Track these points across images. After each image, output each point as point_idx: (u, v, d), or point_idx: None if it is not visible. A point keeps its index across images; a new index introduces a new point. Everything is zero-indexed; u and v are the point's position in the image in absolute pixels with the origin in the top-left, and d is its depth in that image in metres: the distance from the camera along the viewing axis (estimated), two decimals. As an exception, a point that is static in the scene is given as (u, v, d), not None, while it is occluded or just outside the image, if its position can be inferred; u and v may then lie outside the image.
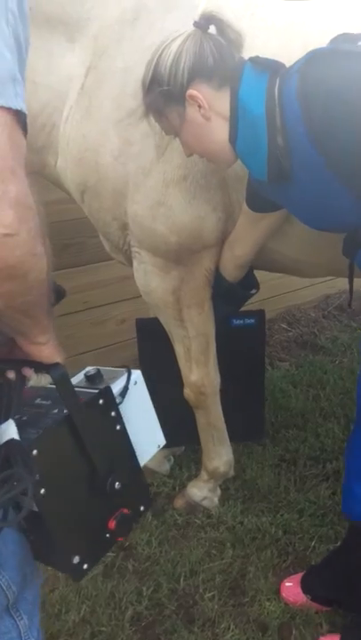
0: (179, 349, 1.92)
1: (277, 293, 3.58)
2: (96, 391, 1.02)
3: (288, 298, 3.67)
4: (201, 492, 2.15)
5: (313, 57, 1.10)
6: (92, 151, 1.60)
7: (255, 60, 1.22)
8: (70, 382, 0.97)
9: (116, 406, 1.04)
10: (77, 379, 1.12)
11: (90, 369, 1.13)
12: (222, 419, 2.07)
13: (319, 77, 1.07)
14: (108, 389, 1.03)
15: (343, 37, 1.17)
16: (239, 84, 1.21)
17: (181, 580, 1.85)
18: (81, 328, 2.89)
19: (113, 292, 2.88)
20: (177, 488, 2.27)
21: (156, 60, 1.26)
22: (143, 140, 1.54)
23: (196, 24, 1.24)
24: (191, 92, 1.24)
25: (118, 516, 1.03)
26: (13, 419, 0.92)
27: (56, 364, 0.95)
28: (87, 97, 1.61)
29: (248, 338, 2.05)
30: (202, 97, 1.24)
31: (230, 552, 1.94)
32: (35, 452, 0.90)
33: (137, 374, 1.12)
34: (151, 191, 1.58)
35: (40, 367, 0.95)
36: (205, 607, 1.76)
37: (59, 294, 1.10)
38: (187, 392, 1.98)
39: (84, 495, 0.99)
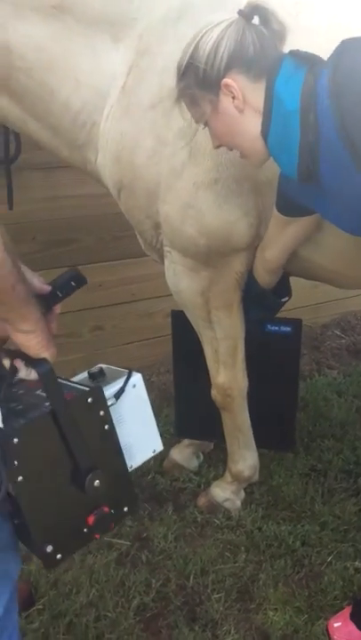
0: (207, 350, 1.93)
1: (333, 298, 3.49)
2: (86, 389, 1.04)
3: (344, 304, 3.57)
4: (224, 493, 2.15)
5: (344, 48, 1.05)
6: (129, 150, 1.63)
7: (295, 54, 1.17)
8: (55, 379, 0.99)
9: (105, 406, 1.05)
10: (82, 375, 1.16)
11: (95, 368, 1.16)
12: (249, 423, 2.06)
13: (351, 68, 1.02)
14: (99, 388, 1.05)
15: None
16: (276, 77, 1.17)
17: (191, 577, 1.87)
18: (127, 319, 2.95)
19: (161, 286, 2.90)
20: (202, 486, 2.28)
21: (195, 43, 1.22)
22: (176, 142, 1.55)
23: (240, 12, 1.20)
24: (227, 80, 1.20)
25: (98, 513, 1.04)
26: None
27: (42, 360, 0.98)
28: (127, 96, 1.63)
29: (283, 345, 2.02)
30: (237, 87, 1.20)
31: (244, 556, 1.94)
32: (15, 440, 0.94)
33: (137, 377, 1.14)
34: (182, 193, 1.59)
35: (28, 360, 0.99)
36: (210, 607, 1.77)
37: (79, 280, 1.15)
38: (214, 393, 1.99)
39: (63, 488, 1.02)
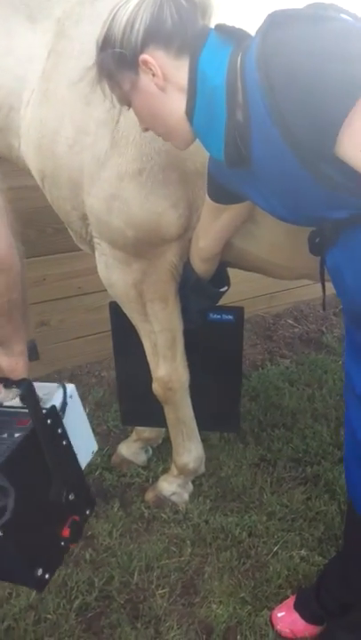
0: (146, 344, 1.88)
1: (286, 287, 3.48)
2: (43, 411, 1.07)
3: (297, 293, 3.57)
4: (170, 486, 2.12)
5: (273, 21, 0.97)
6: (49, 138, 1.57)
7: (221, 28, 1.09)
8: (37, 398, 1.04)
9: (61, 423, 1.11)
10: (11, 398, 1.15)
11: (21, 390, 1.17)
12: (192, 415, 2.03)
13: (279, 39, 0.94)
14: (54, 409, 1.09)
15: (318, 5, 1.06)
16: (200, 52, 1.08)
17: (136, 574, 1.83)
18: (74, 314, 2.89)
19: (107, 280, 2.85)
20: (150, 480, 2.24)
21: (111, 18, 1.13)
22: (98, 130, 1.49)
23: None
24: (144, 57, 1.11)
25: (71, 524, 1.10)
26: None
27: (24, 381, 1.03)
28: (46, 81, 1.57)
29: (225, 334, 1.99)
30: (156, 64, 1.11)
31: (190, 550, 1.91)
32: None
33: (71, 388, 1.19)
34: (106, 184, 1.53)
35: (8, 383, 1.03)
36: (154, 604, 1.74)
37: (32, 352, 1.18)
38: (155, 387, 1.95)
39: (41, 508, 1.05)
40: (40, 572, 1.03)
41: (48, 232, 2.74)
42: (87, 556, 1.90)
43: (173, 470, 2.13)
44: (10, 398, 1.06)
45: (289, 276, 1.75)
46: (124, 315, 1.90)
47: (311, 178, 0.98)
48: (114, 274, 1.75)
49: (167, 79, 1.13)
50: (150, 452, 2.38)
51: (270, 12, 0.98)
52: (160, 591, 1.78)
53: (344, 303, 1.27)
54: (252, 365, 3.15)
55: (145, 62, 1.12)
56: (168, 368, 1.90)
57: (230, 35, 1.08)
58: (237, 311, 1.94)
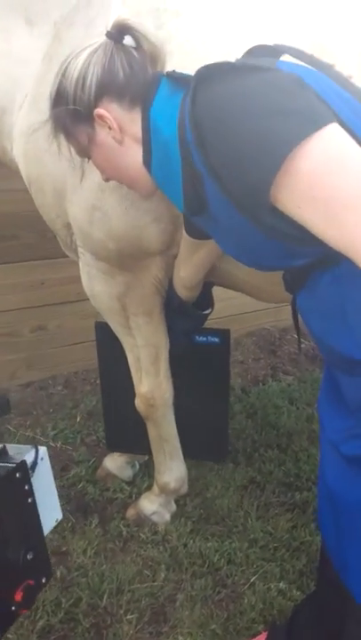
0: (130, 358, 1.82)
1: (292, 301, 3.38)
2: (12, 465, 1.07)
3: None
4: (152, 505, 2.05)
5: (199, 79, 0.93)
6: (34, 144, 1.52)
7: (171, 75, 1.06)
8: None
9: (29, 480, 1.09)
10: None
11: None
12: (175, 433, 1.96)
13: (206, 101, 0.90)
14: (24, 463, 1.09)
15: (260, 50, 1.02)
16: (151, 103, 1.06)
17: (105, 596, 1.77)
18: (72, 319, 2.85)
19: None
20: (134, 496, 2.18)
21: (61, 73, 1.11)
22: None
23: (108, 34, 1.08)
24: (99, 111, 1.08)
25: (25, 588, 1.04)
26: None
27: None
28: (38, 85, 1.53)
29: (212, 356, 1.92)
30: (111, 117, 1.08)
31: (163, 575, 1.84)
32: None
33: (43, 450, 1.18)
34: (87, 194, 1.48)
35: None
36: (120, 630, 1.67)
37: (2, 408, 1.23)
38: (137, 402, 1.88)
39: None
40: None
41: (48, 236, 2.68)
42: (58, 574, 1.84)
43: (155, 489, 2.06)
44: None
45: (270, 299, 1.68)
46: (111, 336, 1.84)
47: (260, 231, 0.93)
48: (97, 285, 1.70)
49: (124, 131, 1.10)
50: (137, 466, 2.32)
51: (198, 68, 0.94)
52: (128, 616, 1.71)
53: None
54: (254, 380, 3.06)
55: (100, 116, 1.09)
56: (151, 384, 1.83)
57: (180, 82, 1.04)
58: (223, 333, 1.87)
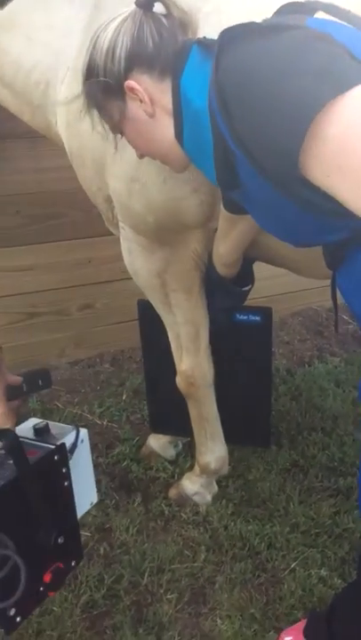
0: (170, 335, 1.81)
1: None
2: (52, 446, 1.07)
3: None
4: (193, 486, 2.05)
5: (222, 42, 0.88)
6: (74, 116, 1.50)
7: (201, 42, 1.00)
8: (22, 448, 0.99)
9: (67, 463, 1.09)
10: (25, 428, 1.17)
11: (38, 422, 1.18)
12: (216, 413, 1.94)
13: (230, 65, 0.85)
14: (63, 446, 1.08)
15: (290, 7, 0.94)
16: (182, 72, 1.00)
17: (146, 575, 1.79)
18: (118, 297, 2.85)
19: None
20: (176, 476, 2.19)
21: (92, 46, 1.07)
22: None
23: (137, 2, 1.04)
24: (129, 83, 1.04)
25: (54, 570, 1.05)
26: None
27: (7, 430, 1.00)
28: (79, 57, 1.50)
29: (253, 335, 1.87)
30: (142, 89, 1.04)
31: (204, 556, 1.84)
32: None
33: (84, 432, 1.18)
34: (126, 165, 1.45)
35: None
36: (160, 609, 1.69)
37: (46, 382, 1.22)
38: (178, 380, 1.87)
39: (26, 547, 1.00)
40: (13, 611, 0.98)
41: (94, 213, 2.69)
42: (101, 551, 1.88)
43: (196, 469, 2.06)
44: None
45: (311, 274, 1.61)
46: (153, 315, 1.83)
47: (293, 203, 0.87)
48: (137, 261, 1.68)
49: (155, 103, 1.06)
50: (180, 446, 2.32)
51: (222, 31, 0.89)
52: (168, 596, 1.73)
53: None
54: (299, 362, 3.01)
55: (130, 89, 1.05)
56: (191, 362, 1.82)
57: (211, 47, 0.96)
58: (265, 311, 1.82)
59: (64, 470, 1.09)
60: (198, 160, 1.09)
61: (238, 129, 0.86)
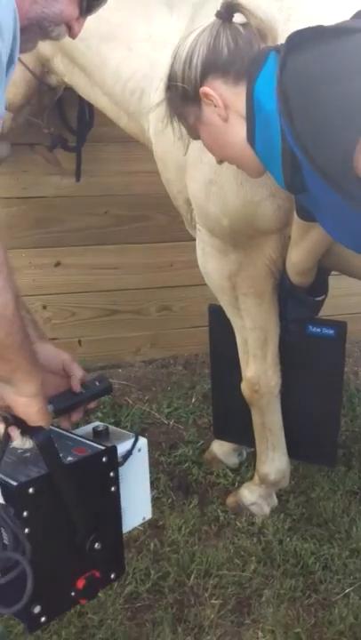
0: (238, 340, 1.81)
1: None
2: (102, 447, 1.03)
3: None
4: (252, 495, 2.01)
5: (289, 46, 0.91)
6: (161, 121, 1.55)
7: (278, 49, 1.02)
8: (54, 448, 0.95)
9: (116, 467, 1.04)
10: (86, 429, 1.14)
11: (99, 424, 1.15)
12: (280, 424, 1.90)
13: (294, 69, 0.88)
14: (114, 449, 1.04)
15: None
16: (257, 77, 1.03)
17: (192, 576, 1.77)
18: (195, 302, 2.87)
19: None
20: (236, 484, 2.15)
21: (174, 54, 1.15)
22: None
23: (218, 14, 1.10)
24: (204, 89, 1.10)
25: (89, 577, 1.00)
26: None
27: (40, 428, 0.94)
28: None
29: (325, 349, 1.81)
30: (216, 95, 1.09)
31: (253, 567, 1.79)
32: (30, 490, 0.92)
33: (143, 442, 1.12)
34: (205, 168, 1.49)
35: (25, 429, 0.95)
36: (202, 612, 1.66)
37: (107, 391, 1.16)
38: (243, 386, 1.86)
39: (61, 547, 0.98)
40: (38, 609, 0.94)
41: (179, 219, 2.74)
42: (151, 546, 1.88)
43: (256, 479, 2.02)
44: (26, 446, 0.98)
45: None
46: (224, 321, 1.83)
47: (354, 208, 0.86)
48: (210, 262, 1.70)
49: (228, 108, 1.11)
50: (244, 455, 2.28)
51: (290, 34, 0.92)
52: (212, 601, 1.70)
53: None
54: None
55: (205, 95, 1.11)
56: (257, 369, 1.79)
57: None
58: (340, 326, 1.75)
59: (112, 474, 1.04)
60: (269, 163, 1.11)
61: (299, 130, 0.88)
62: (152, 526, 1.97)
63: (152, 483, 2.11)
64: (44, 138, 2.34)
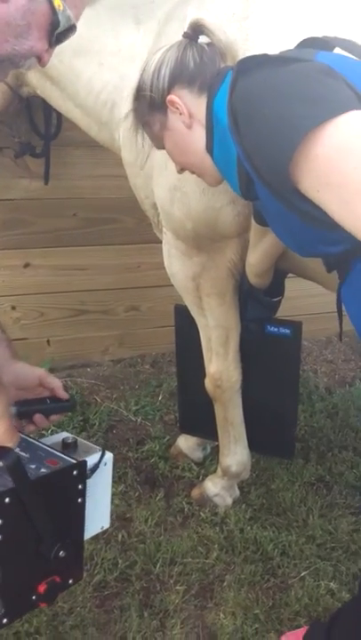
0: (202, 338, 1.89)
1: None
2: (74, 461, 1.07)
3: None
4: (215, 487, 2.10)
5: (239, 69, 1.01)
6: (130, 130, 1.63)
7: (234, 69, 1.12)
8: (24, 470, 0.98)
9: (85, 480, 1.09)
10: (54, 440, 1.18)
11: (68, 436, 1.19)
12: (241, 418, 2.00)
13: (243, 88, 0.98)
14: (84, 464, 1.08)
15: (308, 42, 1.04)
16: (217, 91, 1.13)
17: (158, 565, 1.85)
18: (163, 302, 2.95)
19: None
20: (200, 477, 2.24)
21: (143, 68, 1.24)
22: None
23: (185, 34, 1.20)
24: (171, 97, 1.19)
25: (50, 582, 1.04)
26: None
27: (8, 451, 0.97)
28: (139, 78, 1.64)
29: (283, 348, 1.91)
30: (181, 103, 1.18)
31: (216, 554, 1.89)
32: (7, 500, 0.95)
33: (109, 456, 1.16)
34: (170, 174, 1.56)
35: None
36: (167, 598, 1.75)
37: (71, 405, 1.20)
38: (206, 382, 1.95)
39: (27, 553, 1.02)
40: (2, 611, 0.98)
41: (147, 221, 2.81)
42: (119, 537, 1.96)
43: (219, 471, 2.11)
44: None
45: (335, 288, 1.65)
46: (189, 320, 1.92)
47: (295, 215, 0.96)
48: (175, 264, 1.78)
49: (192, 116, 1.20)
50: (208, 449, 2.37)
51: (240, 59, 1.03)
52: (177, 587, 1.78)
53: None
54: (340, 382, 3.00)
55: (171, 102, 1.20)
56: (220, 365, 1.88)
57: None
58: (296, 326, 1.86)
59: (80, 487, 1.08)
60: (226, 172, 1.20)
61: (246, 145, 0.97)
62: (120, 518, 2.04)
63: (120, 477, 2.20)
64: (13, 143, 2.40)
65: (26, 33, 0.83)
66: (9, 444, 0.98)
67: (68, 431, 2.38)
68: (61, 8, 0.85)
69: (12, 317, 2.77)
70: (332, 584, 1.78)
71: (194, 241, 1.66)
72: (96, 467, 1.12)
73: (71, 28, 0.90)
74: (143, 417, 2.63)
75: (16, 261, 2.73)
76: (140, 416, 2.64)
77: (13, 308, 2.78)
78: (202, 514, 2.07)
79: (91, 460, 1.12)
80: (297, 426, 2.16)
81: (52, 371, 2.85)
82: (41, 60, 0.90)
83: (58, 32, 0.88)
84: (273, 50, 1.27)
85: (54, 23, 0.86)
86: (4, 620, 1.00)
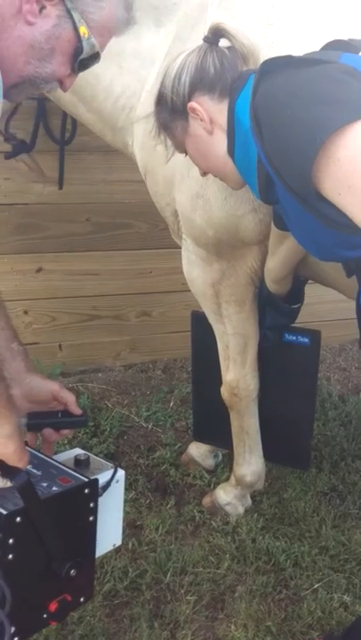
0: (219, 345, 1.88)
1: None
2: (85, 479, 1.08)
3: None
4: (227, 496, 2.08)
5: (262, 71, 1.02)
6: (151, 136, 1.62)
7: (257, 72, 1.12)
8: (34, 490, 0.98)
9: (97, 499, 1.09)
10: (67, 456, 1.19)
11: (81, 453, 1.20)
12: (257, 427, 1.98)
13: (266, 91, 0.99)
14: (96, 482, 1.09)
15: (334, 44, 1.03)
16: (238, 95, 1.14)
17: (169, 574, 1.83)
18: (174, 308, 2.95)
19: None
20: (212, 485, 2.22)
21: (164, 73, 1.26)
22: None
23: (205, 38, 1.20)
24: (191, 104, 1.20)
25: (61, 601, 1.05)
26: None
27: (18, 470, 0.98)
28: (157, 82, 1.62)
29: (300, 357, 1.89)
30: (202, 109, 1.19)
31: (227, 564, 1.86)
32: (18, 519, 0.96)
33: (121, 473, 1.17)
34: (193, 182, 1.57)
35: (4, 470, 0.98)
36: (178, 608, 1.73)
37: (82, 421, 1.22)
38: (222, 390, 1.94)
39: (38, 572, 1.02)
40: (13, 629, 0.98)
41: (160, 227, 2.81)
42: (129, 545, 1.94)
43: (232, 480, 2.09)
44: (7, 485, 1.00)
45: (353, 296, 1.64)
46: (205, 326, 1.91)
47: (316, 218, 0.96)
48: (194, 270, 1.78)
49: (214, 122, 1.21)
50: (220, 457, 2.35)
51: (263, 61, 1.04)
52: (188, 597, 1.76)
53: None
54: (354, 389, 2.97)
55: (192, 109, 1.21)
56: (237, 373, 1.87)
57: None
58: (314, 335, 1.84)
59: (92, 505, 1.08)
60: (247, 175, 1.20)
61: (267, 148, 0.97)
62: (130, 526, 2.03)
63: (130, 484, 2.19)
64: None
65: (49, 57, 0.85)
66: (19, 464, 0.99)
67: (79, 437, 2.39)
68: (86, 35, 0.87)
69: (23, 322, 2.77)
70: (345, 597, 1.75)
71: (214, 248, 1.66)
72: (108, 484, 1.12)
73: (95, 56, 0.91)
74: (154, 423, 2.61)
75: (29, 266, 2.73)
76: (152, 422, 2.62)
77: (25, 312, 2.78)
78: (213, 523, 2.05)
79: (103, 478, 1.12)
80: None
81: (63, 375, 2.86)
82: (62, 85, 0.91)
83: (81, 58, 0.89)
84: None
85: (78, 49, 0.88)
86: (16, 639, 1.00)
